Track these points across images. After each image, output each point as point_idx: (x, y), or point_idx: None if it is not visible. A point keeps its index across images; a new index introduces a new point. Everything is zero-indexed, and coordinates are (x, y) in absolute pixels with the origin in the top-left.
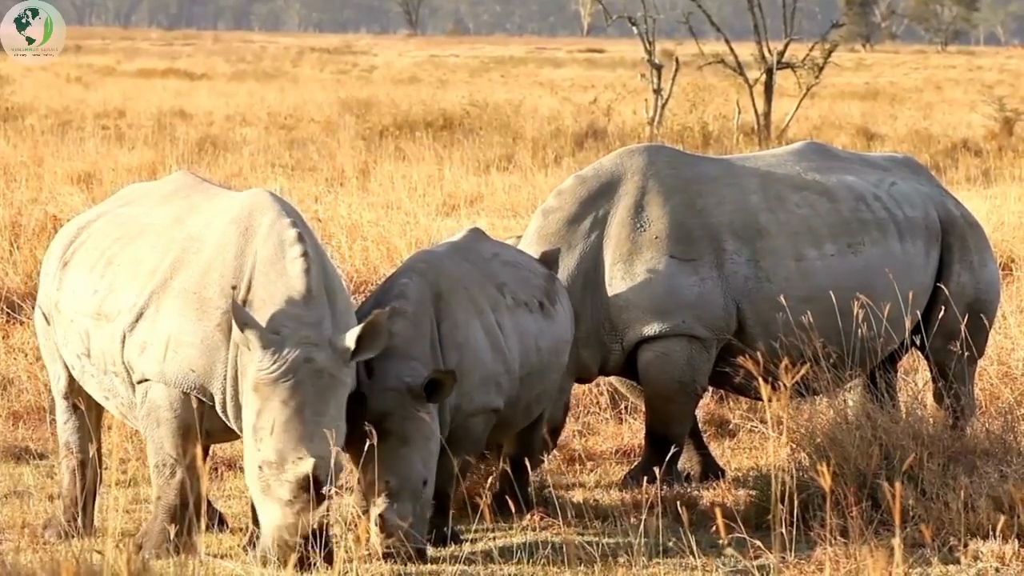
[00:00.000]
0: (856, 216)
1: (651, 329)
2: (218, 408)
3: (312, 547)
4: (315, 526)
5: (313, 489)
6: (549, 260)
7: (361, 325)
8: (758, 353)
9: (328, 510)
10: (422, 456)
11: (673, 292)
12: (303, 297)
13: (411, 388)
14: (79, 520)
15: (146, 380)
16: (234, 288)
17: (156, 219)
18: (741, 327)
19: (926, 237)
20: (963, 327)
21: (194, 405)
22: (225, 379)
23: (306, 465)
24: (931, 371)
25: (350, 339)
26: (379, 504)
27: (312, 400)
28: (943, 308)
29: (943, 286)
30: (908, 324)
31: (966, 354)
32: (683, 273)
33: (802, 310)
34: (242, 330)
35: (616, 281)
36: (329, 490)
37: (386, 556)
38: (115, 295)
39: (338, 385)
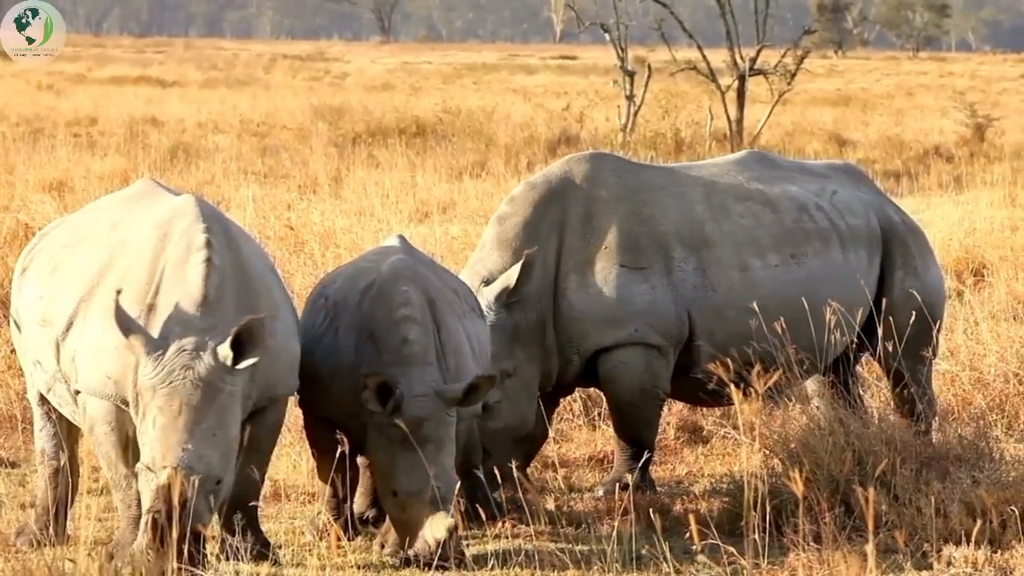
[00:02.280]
0: (799, 227)
1: (606, 339)
2: (133, 415)
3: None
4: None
5: (176, 500)
6: (530, 262)
7: (234, 331)
8: (715, 362)
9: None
10: (453, 459)
11: (624, 301)
12: (198, 303)
13: (440, 393)
14: (51, 528)
15: (79, 392)
16: (119, 292)
17: (99, 226)
18: (692, 335)
19: (868, 245)
20: (935, 332)
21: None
22: (136, 386)
23: (163, 476)
24: (887, 377)
25: (225, 347)
26: (429, 511)
27: (189, 410)
28: (891, 314)
29: (888, 293)
30: (880, 332)
31: (930, 359)
32: (634, 282)
33: (747, 320)
34: (126, 336)
35: (569, 292)
36: (195, 500)
37: (440, 567)
38: (56, 302)
39: (218, 394)
